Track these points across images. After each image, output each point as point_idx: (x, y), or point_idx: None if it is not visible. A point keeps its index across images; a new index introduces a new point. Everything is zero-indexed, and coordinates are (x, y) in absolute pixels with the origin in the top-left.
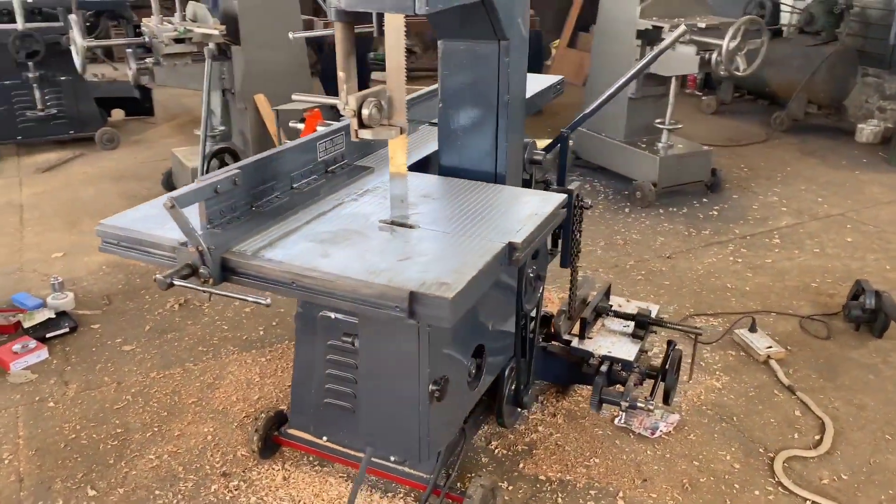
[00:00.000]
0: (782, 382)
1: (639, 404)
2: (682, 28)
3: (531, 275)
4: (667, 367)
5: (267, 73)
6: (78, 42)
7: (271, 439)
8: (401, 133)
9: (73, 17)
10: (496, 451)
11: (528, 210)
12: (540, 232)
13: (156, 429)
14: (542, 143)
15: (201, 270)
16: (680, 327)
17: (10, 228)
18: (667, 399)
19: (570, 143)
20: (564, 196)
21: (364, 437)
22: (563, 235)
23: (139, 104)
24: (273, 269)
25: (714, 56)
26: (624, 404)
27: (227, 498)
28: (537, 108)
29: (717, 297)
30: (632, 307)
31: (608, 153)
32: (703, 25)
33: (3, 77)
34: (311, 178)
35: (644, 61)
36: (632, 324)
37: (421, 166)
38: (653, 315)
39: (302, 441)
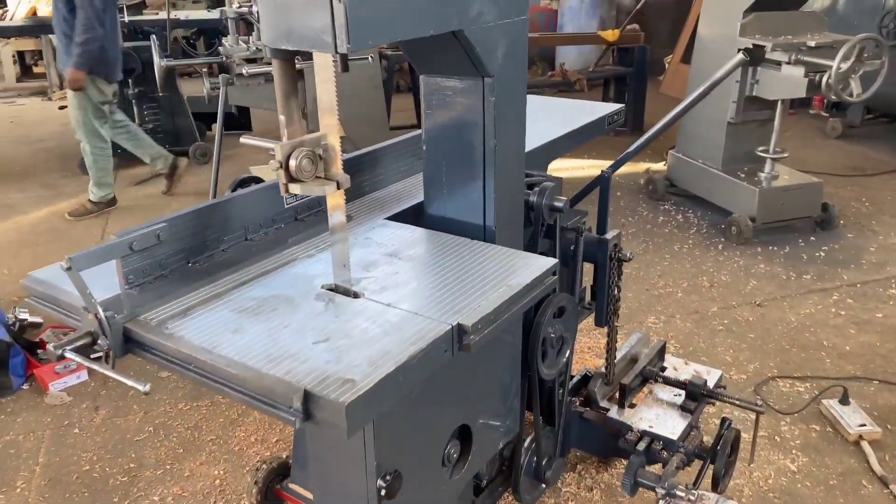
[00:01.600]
0: (874, 471)
1: (678, 492)
2: (740, 57)
3: (552, 335)
4: (717, 448)
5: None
6: (156, 62)
7: (273, 492)
8: (337, 188)
9: (153, 38)
10: None
11: (503, 279)
12: (509, 308)
13: (168, 466)
14: (656, 166)
15: (99, 342)
16: (738, 402)
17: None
18: (716, 486)
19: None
20: (553, 263)
21: None
22: (597, 290)
23: (237, 119)
24: (169, 346)
25: (825, 79)
26: (661, 491)
27: None
28: (580, 142)
29: (808, 356)
30: (688, 372)
31: (704, 182)
32: (813, 44)
33: None
34: (274, 227)
35: (696, 93)
36: (683, 393)
37: (417, 212)
38: (712, 382)
39: (303, 498)
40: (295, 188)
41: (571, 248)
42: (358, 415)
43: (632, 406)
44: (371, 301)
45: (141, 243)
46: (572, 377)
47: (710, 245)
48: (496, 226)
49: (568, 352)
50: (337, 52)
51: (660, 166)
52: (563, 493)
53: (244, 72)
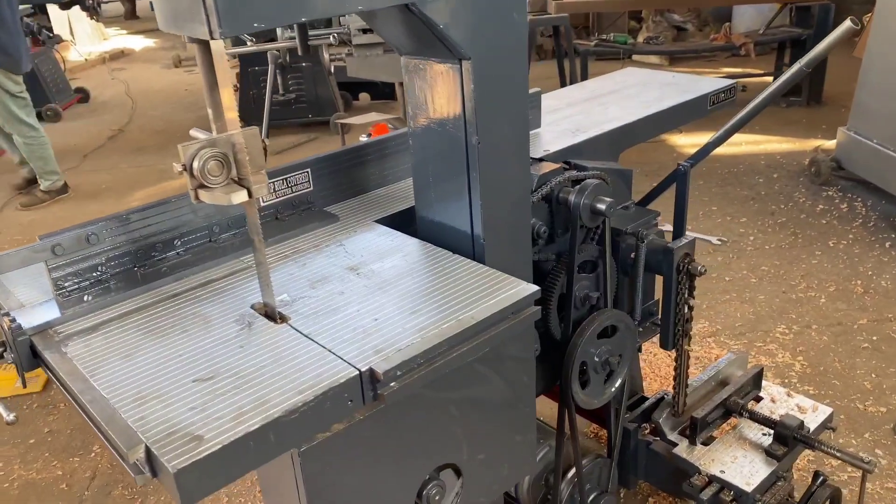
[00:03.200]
0: None
1: None
2: (848, 25)
3: (597, 360)
4: None
5: None
6: (278, 34)
7: None
8: (249, 196)
9: None
10: None
11: (462, 309)
12: (449, 351)
13: None
14: (828, 144)
15: (4, 353)
16: (838, 454)
17: None
18: None
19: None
20: (531, 292)
21: None
22: (664, 308)
23: (380, 89)
24: (56, 366)
25: None
26: None
27: None
28: (669, 127)
29: None
30: (787, 406)
31: (878, 165)
32: None
33: (253, 64)
34: (245, 227)
35: (796, 66)
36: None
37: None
38: (816, 422)
39: None
40: (205, 196)
41: (632, 255)
42: (196, 482)
43: (707, 442)
44: (292, 329)
45: (69, 245)
46: (645, 399)
47: (876, 242)
48: (485, 236)
49: (620, 378)
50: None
51: (831, 144)
52: None
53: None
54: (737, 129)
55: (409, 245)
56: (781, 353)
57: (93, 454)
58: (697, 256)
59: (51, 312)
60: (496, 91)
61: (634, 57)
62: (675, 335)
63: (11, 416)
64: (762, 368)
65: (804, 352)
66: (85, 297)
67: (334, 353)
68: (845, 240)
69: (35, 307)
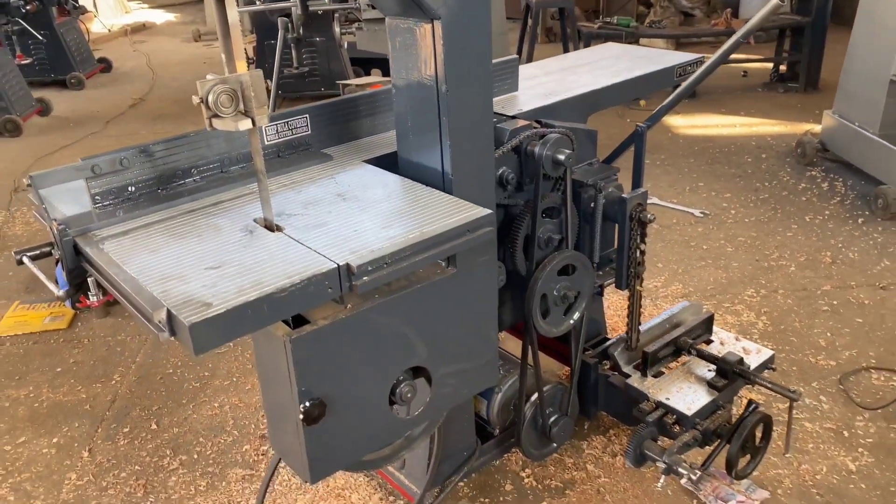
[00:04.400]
0: None
1: (680, 469)
2: (775, 1)
3: (556, 294)
4: (736, 432)
5: None
6: (293, 10)
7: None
8: (252, 125)
9: None
10: (525, 480)
11: (427, 225)
12: (416, 254)
13: (234, 379)
14: (818, 128)
15: (53, 251)
16: (769, 385)
17: None
18: (729, 470)
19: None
20: (485, 214)
21: (272, 441)
22: (617, 252)
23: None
24: (94, 259)
25: None
26: (661, 465)
27: (251, 460)
28: (636, 95)
29: None
30: (735, 348)
31: (858, 148)
32: None
33: (269, 37)
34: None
35: (735, 37)
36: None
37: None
38: (757, 362)
39: None
40: (217, 123)
41: (592, 204)
42: (205, 336)
43: (658, 375)
44: (285, 236)
45: (106, 166)
46: (607, 340)
47: (850, 218)
48: (453, 173)
49: (578, 311)
50: None
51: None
52: (585, 455)
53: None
54: (683, 95)
55: (390, 179)
56: (747, 312)
57: (113, 381)
58: (682, 227)
59: (91, 220)
60: (463, 48)
61: (640, 41)
62: (628, 277)
63: (61, 292)
64: (713, 314)
65: (768, 312)
66: (118, 212)
67: (319, 253)
68: (821, 215)
69: (76, 216)
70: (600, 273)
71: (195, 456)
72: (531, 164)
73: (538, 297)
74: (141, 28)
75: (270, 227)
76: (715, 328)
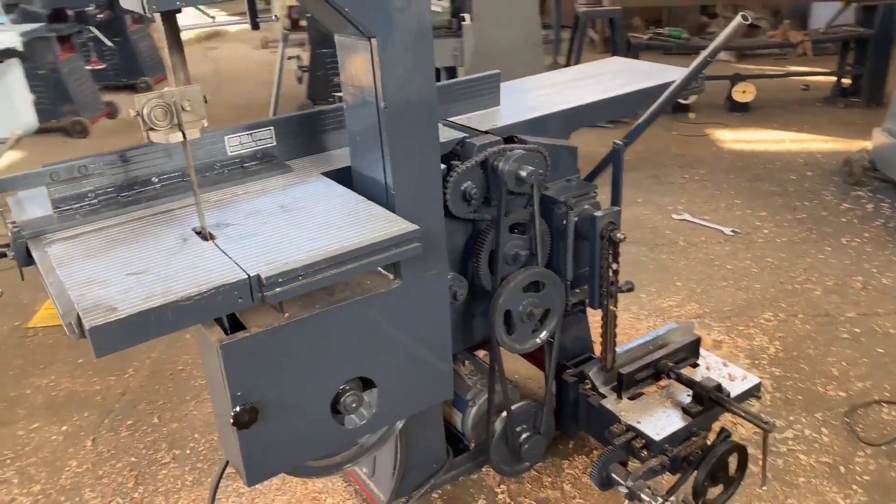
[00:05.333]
0: None
1: (643, 495)
2: (738, 20)
3: (521, 310)
4: (704, 460)
5: (498, 50)
6: None
7: None
8: (183, 138)
9: None
10: (500, 496)
11: (352, 240)
12: (329, 268)
13: None
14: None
15: (7, 252)
16: (743, 413)
17: None
18: (696, 500)
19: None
20: (411, 230)
21: (220, 442)
22: (590, 271)
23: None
24: (37, 262)
25: None
26: (623, 489)
27: None
28: (626, 112)
29: None
30: (719, 375)
31: None
32: None
33: (323, 46)
34: (216, 172)
35: (701, 57)
36: None
37: None
38: (741, 389)
39: None
40: (153, 136)
41: (564, 222)
42: (107, 338)
43: (636, 398)
44: (214, 246)
45: (65, 174)
46: (591, 358)
47: (891, 242)
48: (395, 189)
49: (546, 330)
50: (145, 13)
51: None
52: (564, 474)
53: None
54: (658, 114)
55: (337, 192)
56: (760, 336)
57: (126, 375)
58: (709, 245)
59: (47, 224)
60: (400, 65)
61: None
62: (600, 296)
63: None
64: (699, 338)
65: (783, 338)
66: (76, 217)
67: (236, 263)
68: (859, 238)
69: (37, 219)
70: (577, 291)
71: (188, 451)
72: (496, 179)
73: (501, 312)
74: (214, 35)
75: (204, 236)
76: (704, 352)
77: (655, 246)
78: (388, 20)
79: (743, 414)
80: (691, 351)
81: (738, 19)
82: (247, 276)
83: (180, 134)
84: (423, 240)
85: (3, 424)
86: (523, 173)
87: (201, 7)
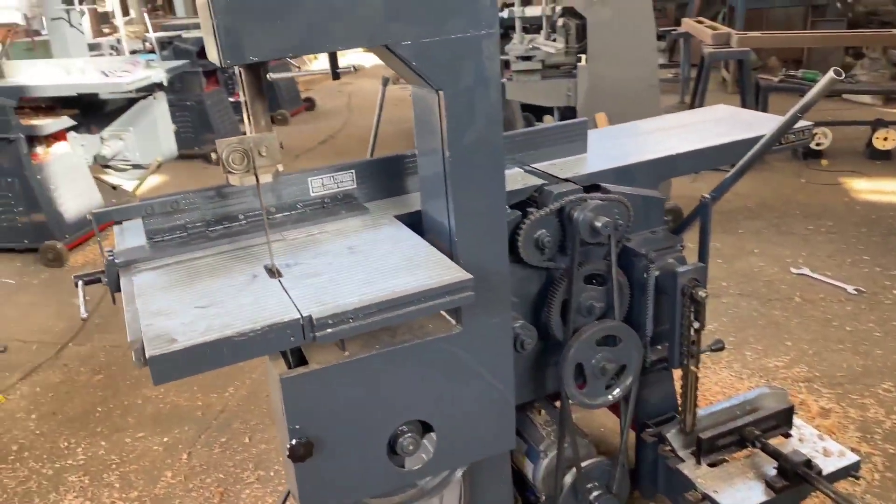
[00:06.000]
0: None
1: None
2: (830, 76)
3: (594, 364)
4: None
5: (613, 91)
6: None
7: None
8: (256, 181)
9: None
10: None
11: (404, 285)
12: (379, 313)
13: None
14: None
15: (102, 277)
16: (832, 493)
17: None
18: None
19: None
20: (464, 279)
21: (285, 471)
22: (670, 328)
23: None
24: (123, 289)
25: None
26: None
27: None
28: (726, 163)
29: None
30: (814, 448)
31: None
32: None
33: None
34: (298, 211)
35: (791, 113)
36: None
37: None
38: (836, 466)
39: None
40: (231, 178)
41: (645, 275)
42: (164, 369)
43: (717, 464)
44: (278, 283)
45: (161, 208)
46: (675, 416)
47: None
48: (458, 236)
49: (620, 386)
50: (220, 67)
51: None
52: None
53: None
54: (747, 167)
55: (403, 236)
56: (876, 408)
57: (227, 394)
58: (827, 303)
59: (142, 251)
60: (466, 117)
61: (845, 96)
62: (680, 355)
63: (84, 314)
64: (793, 406)
65: None
66: (168, 248)
67: (293, 302)
68: None
69: (131, 249)
70: (657, 348)
71: (272, 473)
72: (571, 228)
73: (572, 364)
74: (350, 70)
75: (273, 273)
76: (800, 423)
77: (768, 301)
78: (454, 74)
79: (832, 494)
80: (783, 419)
81: (830, 75)
82: (299, 317)
83: (253, 178)
84: (484, 287)
85: (116, 430)
86: (599, 224)
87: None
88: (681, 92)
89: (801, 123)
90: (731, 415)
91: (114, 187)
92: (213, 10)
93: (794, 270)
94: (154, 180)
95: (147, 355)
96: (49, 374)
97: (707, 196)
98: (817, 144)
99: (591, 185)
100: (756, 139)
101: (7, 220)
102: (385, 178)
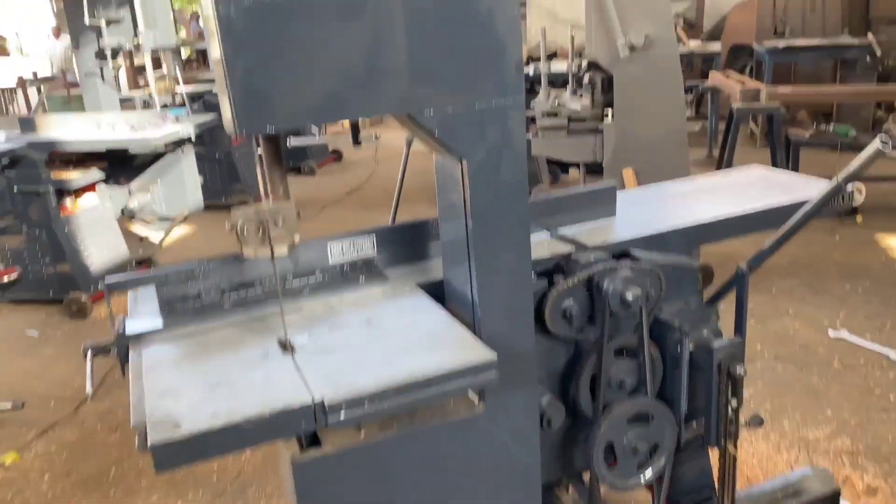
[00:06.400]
0: None
1: None
2: (876, 146)
3: (625, 443)
4: None
5: (640, 147)
6: None
7: None
8: (271, 254)
9: None
10: None
11: (423, 365)
12: (396, 397)
13: None
14: None
15: (111, 348)
16: None
17: None
18: None
19: None
20: (487, 359)
21: None
22: (706, 405)
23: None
24: (131, 363)
25: None
26: None
27: None
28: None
29: None
30: None
31: None
32: None
33: None
34: (314, 279)
35: (824, 192)
36: None
37: None
38: None
39: None
40: (245, 250)
41: (679, 350)
42: (166, 456)
43: None
44: (290, 361)
45: (176, 277)
46: (712, 498)
47: None
48: (481, 309)
49: (653, 466)
50: (235, 136)
51: None
52: None
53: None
54: (787, 238)
55: (424, 308)
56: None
57: (242, 458)
58: (869, 370)
59: (154, 323)
60: (489, 187)
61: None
62: (717, 434)
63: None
64: (839, 490)
65: None
66: (179, 318)
67: (306, 384)
68: None
69: (146, 316)
70: (693, 426)
71: None
72: (600, 299)
73: (602, 443)
74: (379, 122)
75: (286, 347)
76: None
77: (805, 366)
78: (476, 144)
79: None
80: None
81: (875, 144)
82: (311, 401)
83: (268, 250)
84: (509, 362)
85: (129, 493)
86: (629, 296)
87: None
88: (708, 145)
89: (835, 186)
90: (773, 498)
91: (141, 239)
92: (229, 77)
93: (831, 333)
94: (181, 231)
95: (149, 442)
96: (65, 431)
97: (743, 266)
98: (852, 201)
99: (622, 252)
100: (794, 205)
101: (34, 271)
102: (406, 244)
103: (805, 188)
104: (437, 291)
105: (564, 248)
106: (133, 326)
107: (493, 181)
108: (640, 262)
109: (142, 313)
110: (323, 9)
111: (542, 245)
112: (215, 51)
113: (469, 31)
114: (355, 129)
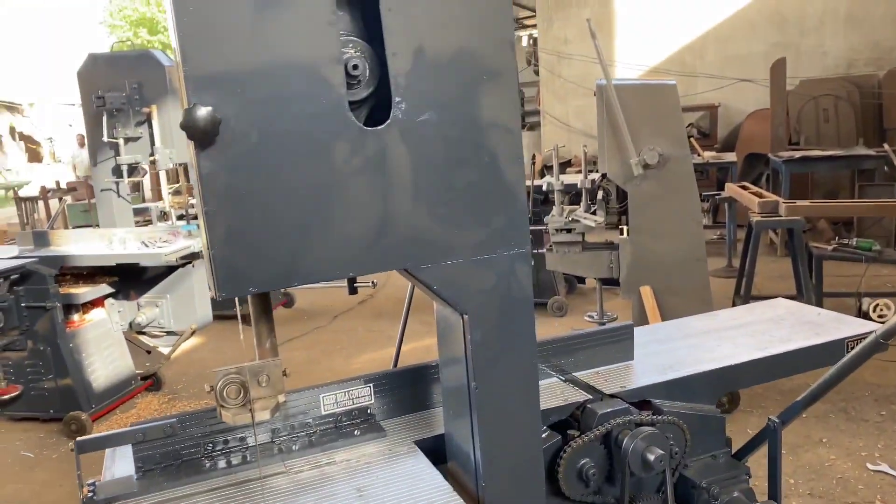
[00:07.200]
0: None
1: None
2: (872, 337)
3: None
4: None
5: (657, 263)
6: None
7: None
8: (252, 420)
9: None
10: None
11: None
12: None
13: None
14: None
15: None
16: None
17: None
18: None
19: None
20: None
21: None
22: None
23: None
24: None
25: None
26: None
27: None
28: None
29: None
30: None
31: None
32: None
33: None
34: (307, 433)
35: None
36: None
37: None
38: None
39: None
40: (223, 414)
41: None
42: None
43: None
44: None
45: (153, 433)
46: None
47: None
48: (483, 467)
49: None
50: (218, 298)
51: None
52: None
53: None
54: (825, 390)
55: (421, 475)
56: None
57: None
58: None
59: (127, 486)
60: (493, 344)
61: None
62: None
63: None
64: None
65: None
66: (158, 478)
67: None
68: None
69: (115, 482)
70: None
71: None
72: (620, 456)
73: None
74: (369, 286)
75: None
76: None
77: None
78: (478, 299)
79: None
80: None
81: (872, 336)
82: None
83: (248, 416)
84: None
85: None
86: (652, 457)
87: None
88: (727, 255)
89: (871, 328)
90: None
91: (148, 351)
92: (210, 241)
93: (870, 466)
94: (189, 343)
95: None
96: None
97: (775, 419)
98: (880, 317)
99: (641, 401)
100: (824, 345)
101: (36, 388)
102: (404, 391)
103: (837, 327)
104: (439, 446)
105: (578, 396)
106: (104, 491)
107: (498, 337)
108: (661, 413)
109: (118, 472)
110: (309, 171)
111: (554, 391)
112: (199, 207)
113: (471, 183)
114: (351, 279)
